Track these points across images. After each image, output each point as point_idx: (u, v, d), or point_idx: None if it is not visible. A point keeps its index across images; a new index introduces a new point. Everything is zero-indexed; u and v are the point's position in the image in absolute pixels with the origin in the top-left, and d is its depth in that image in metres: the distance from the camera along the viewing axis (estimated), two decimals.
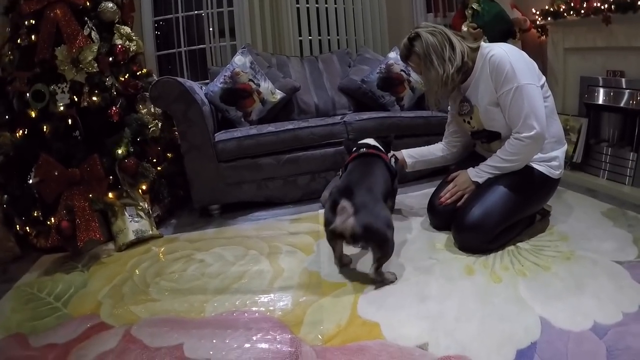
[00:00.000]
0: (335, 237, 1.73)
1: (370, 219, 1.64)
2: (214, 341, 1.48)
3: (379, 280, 1.74)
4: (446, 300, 1.62)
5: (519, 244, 1.98)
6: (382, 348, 1.39)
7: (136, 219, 2.31)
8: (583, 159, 2.88)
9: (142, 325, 1.60)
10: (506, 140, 1.95)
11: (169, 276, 1.95)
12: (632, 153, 2.56)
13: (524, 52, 1.98)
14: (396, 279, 1.77)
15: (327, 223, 1.70)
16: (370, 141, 2.16)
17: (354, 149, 2.13)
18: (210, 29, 3.65)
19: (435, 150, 2.34)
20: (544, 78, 1.99)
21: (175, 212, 2.72)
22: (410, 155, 2.32)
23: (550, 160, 1.99)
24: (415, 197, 2.66)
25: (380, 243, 1.68)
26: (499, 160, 1.96)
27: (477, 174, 2.02)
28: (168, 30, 3.64)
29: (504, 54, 1.89)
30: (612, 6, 2.52)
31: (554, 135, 2.00)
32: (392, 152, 2.26)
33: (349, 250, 1.91)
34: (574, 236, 2.02)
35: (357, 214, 1.63)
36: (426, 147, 2.37)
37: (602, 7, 2.58)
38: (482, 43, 2.02)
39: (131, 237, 2.26)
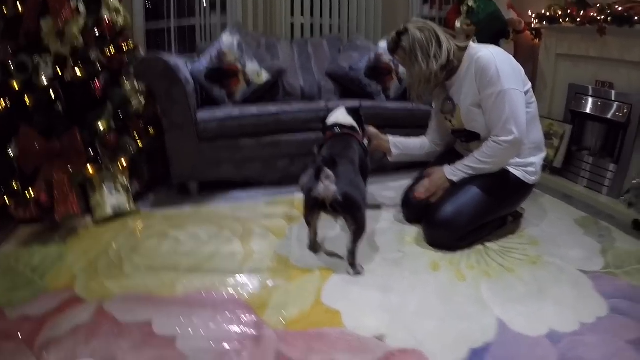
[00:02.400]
0: (315, 206, 1.79)
1: (351, 188, 1.73)
2: (182, 319, 1.54)
3: (351, 260, 1.80)
4: (409, 294, 1.68)
5: (487, 244, 2.04)
6: (340, 336, 1.46)
7: (114, 193, 2.35)
8: (563, 164, 2.93)
9: (114, 300, 1.66)
10: (484, 142, 1.98)
11: (143, 252, 2.00)
12: (612, 164, 2.62)
13: (512, 56, 1.99)
14: (363, 271, 1.82)
15: (309, 190, 1.75)
16: (342, 116, 2.21)
17: (330, 128, 2.19)
18: (205, 6, 3.60)
19: (419, 146, 2.37)
20: (529, 84, 2.01)
21: (154, 188, 2.75)
22: (396, 146, 2.36)
23: (527, 166, 2.02)
24: (393, 189, 2.70)
25: (356, 213, 1.75)
26: (475, 161, 2.00)
27: (453, 172, 2.06)
28: (158, 2, 3.59)
29: (491, 56, 1.90)
30: (609, 18, 2.53)
31: (533, 141, 2.02)
32: (368, 133, 2.36)
33: (321, 233, 1.97)
34: (543, 241, 2.09)
35: (339, 183, 1.70)
36: (411, 140, 2.39)
37: (599, 18, 2.59)
38: (471, 43, 2.02)
39: (109, 211, 2.30)
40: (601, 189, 2.65)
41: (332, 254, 1.96)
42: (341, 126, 2.15)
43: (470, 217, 1.96)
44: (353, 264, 1.80)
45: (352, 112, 2.24)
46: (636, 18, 2.42)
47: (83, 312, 1.59)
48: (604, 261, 1.91)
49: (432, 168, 2.18)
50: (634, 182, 2.41)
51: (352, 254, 1.80)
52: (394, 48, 2.06)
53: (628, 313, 1.57)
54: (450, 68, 2.00)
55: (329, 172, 1.71)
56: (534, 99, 2.03)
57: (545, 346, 1.41)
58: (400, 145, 2.36)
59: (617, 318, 1.55)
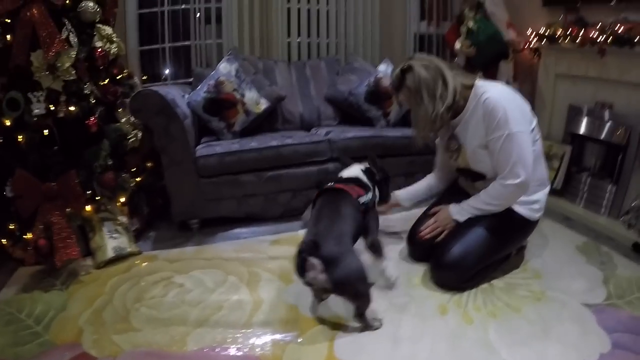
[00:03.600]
0: (310, 286, 1.76)
1: (341, 274, 1.61)
2: None
3: (363, 326, 1.77)
4: (419, 342, 1.69)
5: (493, 282, 2.06)
6: None
7: (115, 235, 2.31)
8: (563, 185, 2.97)
9: (125, 358, 1.62)
10: (491, 183, 1.97)
11: (149, 302, 1.96)
12: (610, 185, 2.65)
13: (517, 95, 1.98)
14: (381, 325, 1.78)
15: (299, 276, 1.68)
16: (355, 171, 2.13)
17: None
18: (198, 15, 3.53)
19: (427, 189, 2.38)
20: (535, 120, 2.00)
21: (154, 224, 2.71)
22: (408, 199, 2.38)
23: (532, 203, 2.03)
24: (396, 220, 2.64)
25: (355, 296, 1.71)
26: (482, 203, 2.00)
27: (459, 212, 2.06)
28: (152, 23, 3.51)
29: (499, 98, 1.88)
30: (609, 39, 2.55)
31: (538, 178, 2.02)
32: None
33: None
34: (546, 273, 2.12)
35: (328, 270, 1.59)
36: (419, 185, 2.39)
37: (599, 40, 2.60)
38: (477, 81, 1.99)
39: (110, 254, 2.26)
40: (599, 209, 2.70)
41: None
42: (339, 180, 2.07)
43: (477, 258, 1.96)
44: (366, 325, 1.77)
45: (368, 170, 2.15)
46: (636, 39, 2.43)
47: None
48: (606, 292, 1.95)
49: (437, 207, 2.18)
50: (633, 203, 2.45)
51: (361, 320, 1.77)
52: (398, 86, 2.01)
53: (630, 347, 1.61)
54: (456, 107, 1.98)
55: (314, 261, 1.58)
56: (539, 135, 2.02)
57: None
58: (409, 196, 2.37)
59: (620, 353, 1.58)
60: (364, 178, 2.08)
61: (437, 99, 1.92)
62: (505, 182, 1.90)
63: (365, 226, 1.94)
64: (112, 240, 2.29)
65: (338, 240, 1.70)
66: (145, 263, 2.30)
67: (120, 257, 2.30)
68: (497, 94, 1.90)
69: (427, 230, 2.12)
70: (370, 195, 2.03)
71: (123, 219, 2.38)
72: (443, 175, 2.33)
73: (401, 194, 2.38)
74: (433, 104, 1.92)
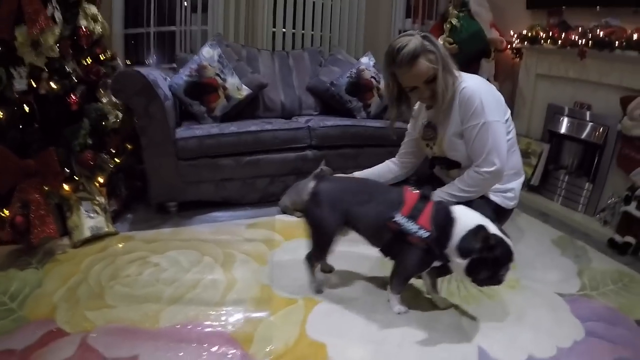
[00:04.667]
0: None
1: None
2: (168, 354, 1.55)
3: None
4: (391, 324, 1.73)
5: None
6: None
7: (92, 215, 2.31)
8: (540, 182, 3.05)
9: (97, 333, 1.64)
10: (465, 171, 1.97)
11: (124, 280, 1.98)
12: (587, 183, 2.74)
13: (493, 87, 2.00)
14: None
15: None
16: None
17: None
18: (185, 4, 3.54)
19: (387, 172, 2.30)
20: (509, 112, 2.02)
21: (132, 206, 2.71)
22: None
23: (506, 192, 2.05)
24: None
25: None
26: (457, 189, 1.98)
27: (433, 198, 2.00)
28: (138, 5, 3.49)
29: (476, 88, 1.89)
30: (590, 42, 2.62)
31: (512, 167, 2.04)
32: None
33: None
34: (521, 264, 2.15)
35: None
36: (377, 168, 2.32)
37: (580, 42, 2.67)
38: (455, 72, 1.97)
39: (87, 233, 2.26)
40: (577, 206, 2.79)
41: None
42: None
43: None
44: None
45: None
46: (616, 43, 2.52)
47: (67, 346, 1.57)
48: (580, 283, 2.01)
49: None
50: (609, 201, 2.54)
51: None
52: (416, 53, 1.80)
53: (603, 335, 1.67)
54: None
55: None
56: (512, 126, 2.04)
57: None
58: (370, 174, 2.29)
59: (593, 341, 1.64)
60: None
61: (453, 74, 1.89)
62: (480, 169, 1.91)
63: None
64: (89, 220, 2.30)
65: None
66: (122, 243, 2.31)
67: (96, 237, 2.30)
68: (473, 84, 1.92)
69: None
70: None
71: (101, 199, 2.39)
72: (405, 162, 2.28)
73: (356, 174, 2.27)
74: (451, 77, 1.88)
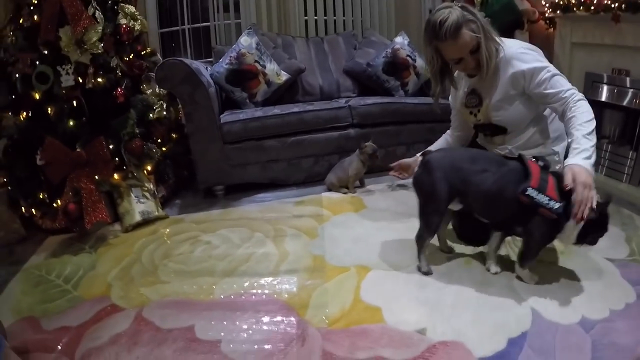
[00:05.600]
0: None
1: None
2: (224, 323, 1.53)
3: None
4: (444, 288, 1.68)
5: (516, 237, 2.00)
6: (383, 332, 1.46)
7: (142, 200, 2.34)
8: None
9: (153, 307, 1.64)
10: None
11: (177, 258, 1.98)
12: (631, 152, 2.59)
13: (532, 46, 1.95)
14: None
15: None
16: None
17: None
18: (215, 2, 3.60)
19: (446, 146, 2.28)
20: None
21: (180, 193, 2.74)
22: None
23: (551, 155, 1.97)
24: None
25: None
26: (582, 133, 1.68)
27: (585, 160, 1.62)
28: (171, 6, 3.59)
29: (523, 50, 1.87)
30: (623, 5, 2.49)
31: (555, 130, 1.97)
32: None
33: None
34: None
35: None
36: (438, 144, 2.30)
37: (613, 6, 2.55)
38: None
39: (137, 218, 2.29)
40: (621, 176, 2.63)
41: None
42: None
43: None
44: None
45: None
46: None
47: (122, 320, 1.57)
48: (629, 249, 1.91)
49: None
50: None
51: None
52: (459, 24, 1.76)
53: None
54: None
55: None
56: None
57: (579, 333, 1.42)
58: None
59: None
60: None
61: (495, 40, 1.83)
62: (574, 100, 1.75)
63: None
64: (139, 205, 2.32)
65: None
66: (172, 225, 2.32)
67: (147, 221, 2.33)
68: (519, 46, 1.89)
69: (582, 208, 1.52)
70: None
71: (150, 185, 2.42)
72: (460, 135, 2.27)
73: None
74: (494, 43, 1.82)
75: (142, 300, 1.68)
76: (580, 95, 1.76)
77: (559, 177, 1.57)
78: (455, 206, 1.76)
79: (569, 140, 1.72)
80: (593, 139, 1.66)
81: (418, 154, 2.25)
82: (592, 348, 1.35)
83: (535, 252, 1.65)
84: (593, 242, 1.58)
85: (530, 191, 1.52)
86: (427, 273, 1.77)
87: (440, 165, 1.71)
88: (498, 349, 1.36)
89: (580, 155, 1.64)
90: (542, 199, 1.52)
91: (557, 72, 1.82)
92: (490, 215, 1.71)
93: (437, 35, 1.80)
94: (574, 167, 1.57)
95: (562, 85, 1.78)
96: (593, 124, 1.71)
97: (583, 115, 1.72)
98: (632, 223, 2.14)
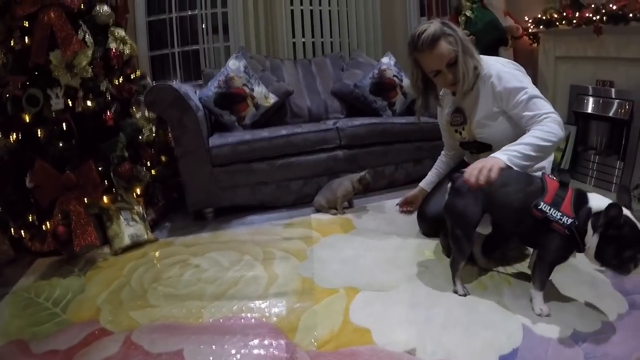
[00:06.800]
0: None
1: None
2: (213, 347, 1.53)
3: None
4: (433, 307, 1.68)
5: (505, 251, 2.04)
6: (372, 353, 1.45)
7: (131, 223, 2.35)
8: (571, 165, 2.96)
9: (142, 331, 1.64)
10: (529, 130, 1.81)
11: (166, 281, 1.98)
12: (618, 161, 2.65)
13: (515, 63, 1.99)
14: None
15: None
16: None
17: None
18: (204, 26, 3.66)
19: (445, 168, 2.33)
20: None
21: (169, 215, 2.75)
22: (433, 184, 2.34)
23: (537, 171, 2.03)
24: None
25: None
26: (526, 143, 1.71)
27: (502, 154, 1.70)
28: (161, 29, 3.63)
29: (503, 68, 1.90)
30: (604, 17, 2.58)
31: None
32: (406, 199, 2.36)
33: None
34: None
35: None
36: (436, 169, 2.35)
37: (594, 18, 2.64)
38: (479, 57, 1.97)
39: (127, 241, 2.30)
40: (610, 186, 2.69)
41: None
42: None
43: None
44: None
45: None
46: (631, 15, 2.47)
47: (111, 344, 1.57)
48: None
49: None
50: None
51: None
52: (437, 37, 1.82)
53: None
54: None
55: None
56: None
57: (571, 347, 1.42)
58: (432, 182, 2.34)
59: (637, 313, 1.57)
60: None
61: (474, 57, 1.88)
62: (542, 119, 1.77)
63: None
64: (128, 228, 2.33)
65: None
66: (162, 249, 2.33)
67: (136, 244, 2.33)
68: (499, 64, 1.93)
69: (472, 174, 1.63)
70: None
71: (139, 208, 2.43)
72: (454, 154, 2.33)
73: (426, 185, 2.34)
74: (473, 60, 1.87)
75: (131, 324, 1.68)
76: (556, 117, 1.77)
77: (580, 195, 1.58)
78: (484, 230, 1.81)
79: None
80: (531, 151, 1.69)
81: (421, 184, 2.33)
82: None
83: (548, 268, 1.63)
84: (624, 265, 1.44)
85: (543, 206, 1.55)
86: (464, 295, 1.76)
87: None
88: None
89: (502, 151, 1.70)
90: (554, 213, 1.53)
91: (537, 93, 1.83)
92: (515, 229, 1.72)
93: (415, 46, 1.88)
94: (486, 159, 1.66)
95: (539, 108, 1.80)
96: (545, 143, 1.72)
97: (536, 133, 1.73)
98: None
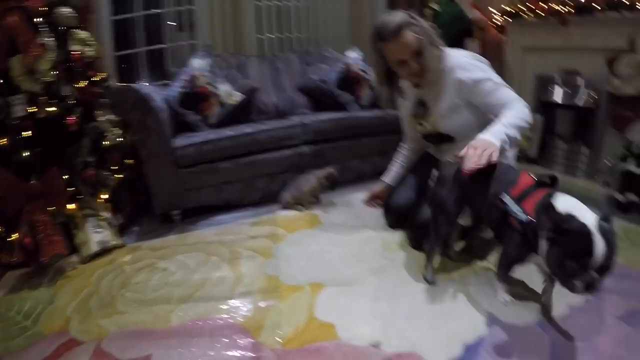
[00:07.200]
0: None
1: None
2: (181, 350, 1.57)
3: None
4: (399, 299, 1.74)
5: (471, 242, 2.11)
6: (337, 348, 1.51)
7: (98, 230, 2.35)
8: (539, 153, 3.05)
9: (111, 338, 1.67)
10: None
11: (134, 287, 2.01)
12: (584, 148, 2.75)
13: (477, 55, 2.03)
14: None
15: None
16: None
17: None
18: (169, 22, 3.62)
19: (407, 162, 2.38)
20: None
21: (137, 219, 2.75)
22: (393, 181, 2.39)
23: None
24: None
25: None
26: (505, 122, 1.72)
27: (491, 135, 1.67)
28: (127, 28, 3.58)
29: (465, 59, 1.94)
30: (572, 10, 2.64)
31: None
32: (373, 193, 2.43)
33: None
34: None
35: None
36: (398, 164, 2.40)
37: (563, 10, 2.70)
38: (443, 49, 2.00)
39: (94, 248, 2.31)
40: (577, 172, 2.78)
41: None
42: None
43: None
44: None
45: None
46: (597, 6, 2.53)
47: (81, 354, 1.59)
48: None
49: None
50: (607, 163, 2.53)
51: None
52: (400, 27, 1.83)
53: (614, 289, 1.66)
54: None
55: None
56: None
57: (537, 333, 1.48)
58: (395, 177, 2.39)
59: (604, 296, 1.64)
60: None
61: (439, 48, 1.91)
62: (512, 104, 1.80)
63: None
64: (96, 235, 2.34)
65: None
66: (130, 254, 2.34)
67: (104, 251, 2.34)
68: (461, 56, 1.97)
69: (471, 161, 1.58)
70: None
71: (106, 214, 2.43)
72: (415, 146, 2.37)
73: (389, 180, 2.39)
74: (438, 50, 1.90)
75: (100, 332, 1.71)
76: (524, 102, 1.82)
77: (550, 197, 1.41)
78: (465, 221, 1.86)
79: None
80: (510, 130, 1.68)
81: (385, 179, 2.39)
82: (551, 346, 1.41)
83: (506, 263, 1.61)
84: (570, 281, 1.26)
85: (505, 197, 1.51)
86: (431, 283, 1.82)
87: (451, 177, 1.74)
88: (454, 356, 1.41)
89: (486, 132, 1.68)
90: (514, 207, 1.48)
91: (501, 82, 1.88)
92: (487, 221, 1.70)
93: (380, 36, 1.89)
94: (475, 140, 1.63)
95: (506, 95, 1.84)
96: (522, 123, 1.74)
97: (513, 113, 1.76)
98: None
